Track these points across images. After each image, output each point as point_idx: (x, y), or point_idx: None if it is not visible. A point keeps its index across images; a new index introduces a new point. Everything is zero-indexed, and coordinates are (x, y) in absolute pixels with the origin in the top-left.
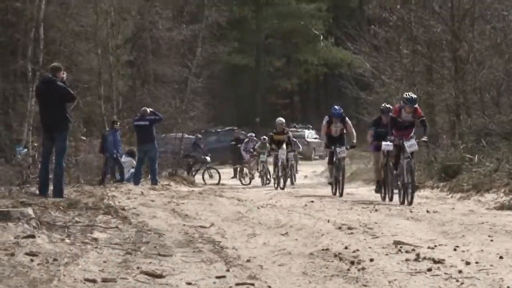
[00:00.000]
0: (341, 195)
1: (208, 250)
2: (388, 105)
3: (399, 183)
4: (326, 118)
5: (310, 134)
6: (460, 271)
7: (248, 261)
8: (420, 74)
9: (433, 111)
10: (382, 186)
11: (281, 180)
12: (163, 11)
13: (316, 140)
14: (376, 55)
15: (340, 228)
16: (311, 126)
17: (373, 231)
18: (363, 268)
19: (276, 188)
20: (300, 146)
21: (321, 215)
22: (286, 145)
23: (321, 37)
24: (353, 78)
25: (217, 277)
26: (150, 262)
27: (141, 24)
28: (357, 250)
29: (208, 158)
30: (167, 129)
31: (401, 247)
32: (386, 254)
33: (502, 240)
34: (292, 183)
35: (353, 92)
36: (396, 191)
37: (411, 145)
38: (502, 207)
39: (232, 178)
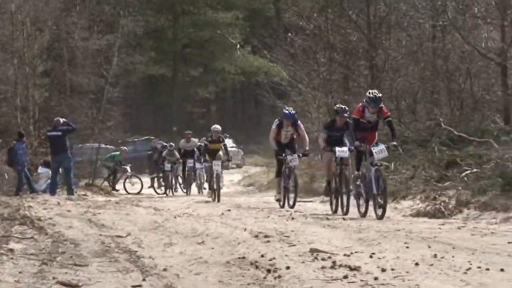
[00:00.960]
0: (292, 206)
1: (124, 259)
2: (342, 106)
3: (362, 192)
4: (276, 121)
5: (227, 143)
6: (376, 278)
7: (164, 270)
8: (336, 82)
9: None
10: (333, 194)
11: (216, 193)
12: (78, 20)
13: (233, 149)
14: (293, 63)
15: (256, 236)
16: (228, 135)
17: (289, 239)
18: (280, 276)
19: (214, 200)
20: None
21: (238, 223)
22: (223, 154)
23: (238, 45)
24: (270, 86)
25: (133, 287)
26: (66, 272)
27: (57, 34)
28: (274, 258)
29: (128, 168)
30: (83, 140)
31: (317, 254)
32: (303, 262)
33: (418, 246)
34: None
35: (270, 100)
36: (353, 201)
37: (380, 150)
38: (418, 214)
39: (149, 187)
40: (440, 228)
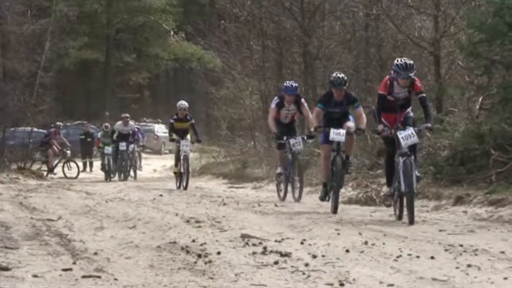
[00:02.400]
0: (298, 199)
1: (55, 243)
2: (341, 75)
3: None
4: (276, 99)
5: (159, 129)
6: (306, 264)
7: (95, 253)
8: (270, 69)
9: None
10: (329, 191)
11: (184, 177)
12: (13, 5)
13: (166, 135)
14: (227, 50)
15: (188, 221)
16: (160, 120)
17: (221, 224)
18: (210, 261)
19: (179, 188)
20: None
21: (169, 208)
22: (191, 135)
23: (171, 32)
24: (203, 73)
25: (64, 270)
26: None
27: None
28: (205, 243)
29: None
30: (16, 123)
31: (248, 240)
32: (233, 248)
33: (348, 233)
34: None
35: (203, 87)
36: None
37: (408, 135)
38: (349, 201)
39: (82, 171)
40: (371, 216)
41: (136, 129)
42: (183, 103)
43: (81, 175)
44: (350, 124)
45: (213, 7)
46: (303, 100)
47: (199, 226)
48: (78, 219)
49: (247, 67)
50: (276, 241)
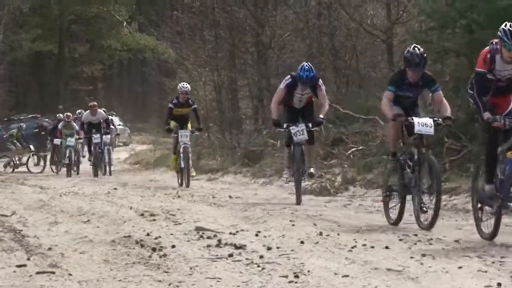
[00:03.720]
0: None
1: (9, 239)
2: (419, 49)
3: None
4: (288, 79)
5: (114, 121)
6: (261, 256)
7: (49, 249)
8: (223, 59)
9: (236, 96)
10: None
11: (185, 173)
12: None
13: (120, 127)
14: (179, 41)
15: (142, 215)
16: (114, 112)
17: (175, 217)
18: (165, 255)
19: (181, 185)
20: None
21: (124, 202)
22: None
23: (124, 23)
24: (156, 64)
25: (18, 266)
26: None
27: None
28: (159, 236)
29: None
30: None
31: (203, 233)
32: (188, 241)
33: (303, 224)
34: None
35: (156, 78)
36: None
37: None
38: (304, 192)
39: (36, 165)
40: (326, 206)
41: (108, 118)
42: (185, 85)
43: (35, 169)
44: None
45: None
46: (320, 82)
47: (154, 220)
48: (32, 214)
49: (200, 57)
50: (230, 233)
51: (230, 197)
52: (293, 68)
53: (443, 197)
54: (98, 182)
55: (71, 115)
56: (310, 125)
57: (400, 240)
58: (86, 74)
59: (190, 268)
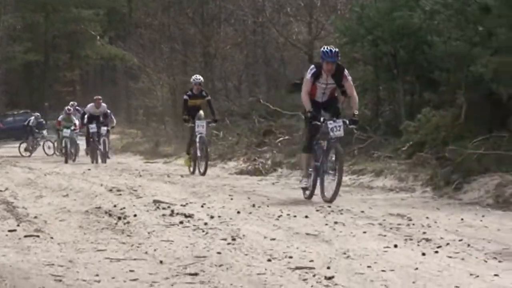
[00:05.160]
0: (331, 200)
1: (2, 209)
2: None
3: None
4: (312, 68)
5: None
6: (205, 223)
7: (35, 217)
8: (177, 67)
9: None
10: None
11: (199, 163)
12: None
13: None
14: (142, 52)
15: (111, 190)
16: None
17: (137, 192)
18: (128, 222)
19: (193, 173)
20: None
21: (96, 180)
22: (206, 114)
23: (98, 37)
24: (124, 70)
25: (9, 231)
26: None
27: None
28: (124, 208)
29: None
30: None
31: (159, 205)
32: (147, 211)
33: (240, 198)
34: (104, 161)
35: (124, 81)
36: None
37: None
38: (241, 172)
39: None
40: (258, 184)
41: (108, 111)
42: (198, 77)
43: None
44: None
45: (131, 17)
46: (346, 72)
47: (120, 194)
48: (22, 190)
49: (158, 65)
50: (181, 205)
51: (181, 176)
52: (233, 74)
53: (352, 176)
54: (76, 164)
55: (71, 108)
56: (347, 121)
57: (317, 210)
58: (67, 78)
59: (148, 233)
